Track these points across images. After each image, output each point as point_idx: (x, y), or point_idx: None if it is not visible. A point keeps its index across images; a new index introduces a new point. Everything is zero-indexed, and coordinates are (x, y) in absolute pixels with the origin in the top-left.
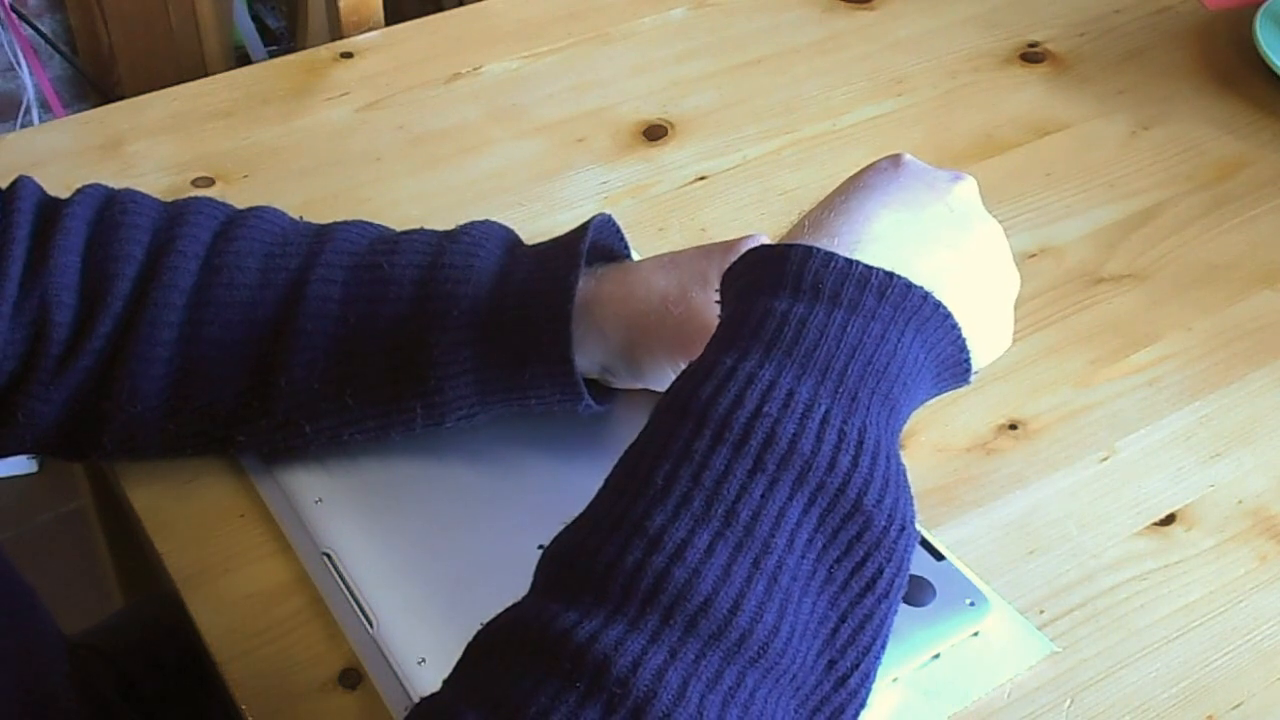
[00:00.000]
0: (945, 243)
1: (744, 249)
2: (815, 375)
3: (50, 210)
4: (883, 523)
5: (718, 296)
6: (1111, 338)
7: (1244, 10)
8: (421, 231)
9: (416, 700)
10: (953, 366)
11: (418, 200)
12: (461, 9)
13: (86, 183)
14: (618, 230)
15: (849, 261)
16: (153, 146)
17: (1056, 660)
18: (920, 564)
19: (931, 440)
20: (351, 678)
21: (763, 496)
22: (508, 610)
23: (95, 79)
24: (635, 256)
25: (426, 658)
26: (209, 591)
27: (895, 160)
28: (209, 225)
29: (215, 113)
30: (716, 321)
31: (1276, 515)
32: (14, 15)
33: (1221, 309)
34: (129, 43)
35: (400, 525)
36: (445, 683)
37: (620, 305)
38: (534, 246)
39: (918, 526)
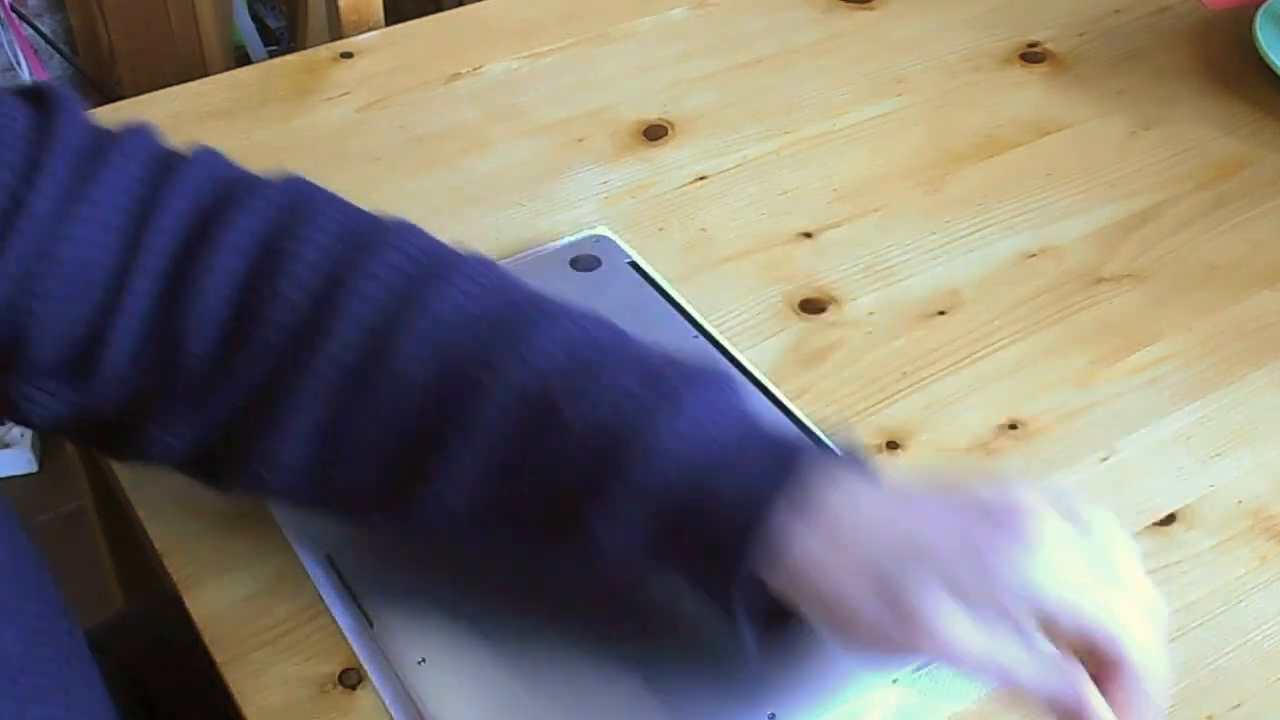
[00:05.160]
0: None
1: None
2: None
3: (208, 206)
4: None
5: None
6: (1111, 338)
7: (1244, 10)
8: (630, 365)
9: (417, 701)
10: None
11: (418, 200)
12: (461, 9)
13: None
14: (860, 456)
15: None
16: None
17: None
18: None
19: (932, 440)
20: (351, 678)
21: None
22: None
23: (95, 79)
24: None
25: (426, 658)
26: (209, 591)
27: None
28: (391, 279)
29: (215, 113)
30: (933, 624)
31: (1276, 515)
32: (14, 15)
33: (1221, 309)
34: (129, 43)
35: None
36: None
37: (820, 566)
38: (748, 446)
39: None
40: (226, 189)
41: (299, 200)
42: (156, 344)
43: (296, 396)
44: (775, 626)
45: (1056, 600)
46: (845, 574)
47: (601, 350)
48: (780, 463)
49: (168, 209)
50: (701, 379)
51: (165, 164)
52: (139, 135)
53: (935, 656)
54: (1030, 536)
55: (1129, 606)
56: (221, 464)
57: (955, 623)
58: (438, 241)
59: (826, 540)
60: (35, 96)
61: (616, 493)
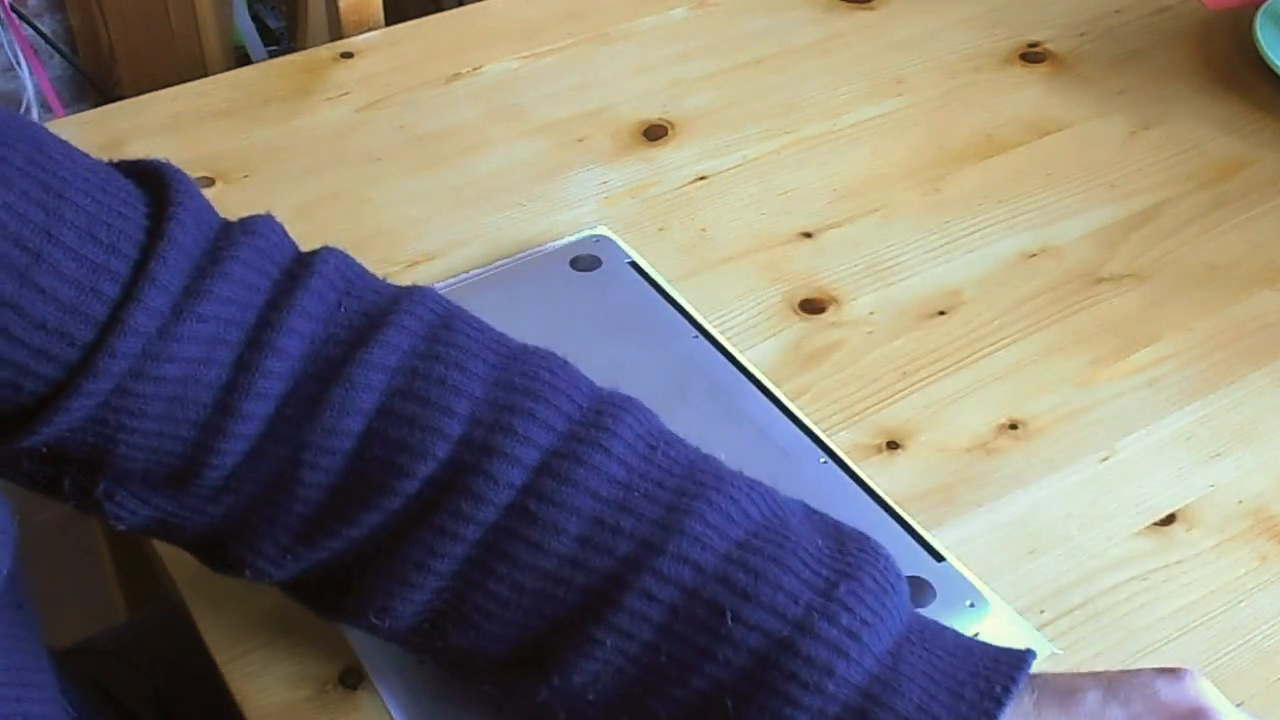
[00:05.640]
0: None
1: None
2: None
3: (336, 330)
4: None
5: None
6: (1111, 338)
7: (1244, 10)
8: (794, 557)
9: (417, 701)
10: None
11: (418, 200)
12: (461, 9)
13: (413, 287)
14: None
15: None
16: (153, 147)
17: (1056, 660)
18: (920, 564)
19: (931, 440)
20: (351, 678)
21: None
22: None
23: (95, 79)
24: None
25: (426, 658)
26: (210, 591)
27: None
28: (546, 438)
29: (215, 113)
30: None
31: (1276, 515)
32: (14, 15)
33: (1221, 309)
34: (129, 43)
35: None
36: None
37: None
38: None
39: (916, 527)
40: (360, 312)
41: (439, 331)
42: (265, 470)
43: (427, 558)
44: None
45: None
46: None
47: (768, 542)
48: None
49: (287, 330)
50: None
51: (289, 273)
52: (259, 236)
53: None
54: None
55: None
56: (328, 598)
57: None
58: (603, 390)
59: None
60: (147, 178)
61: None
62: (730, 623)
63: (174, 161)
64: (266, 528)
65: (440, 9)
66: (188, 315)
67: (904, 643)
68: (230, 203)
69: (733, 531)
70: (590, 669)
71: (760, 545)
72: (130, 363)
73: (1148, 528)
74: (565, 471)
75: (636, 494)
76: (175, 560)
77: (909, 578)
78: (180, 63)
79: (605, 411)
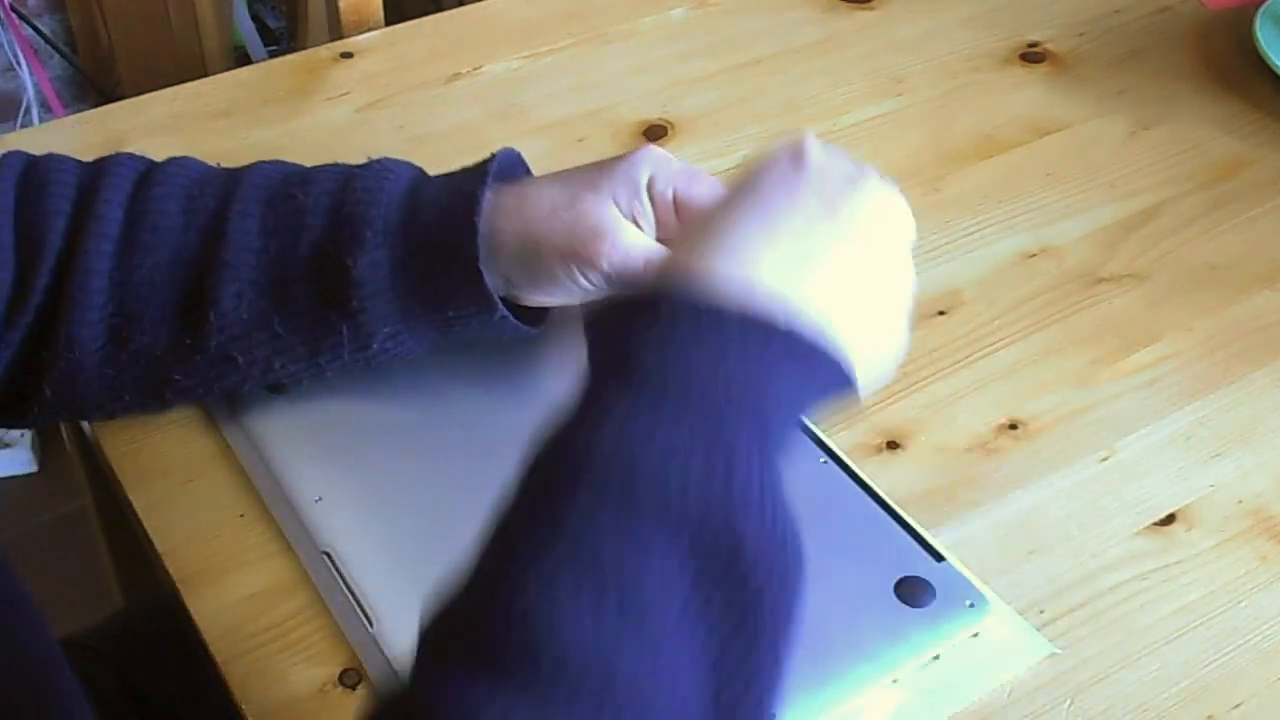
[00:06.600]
0: (835, 266)
1: (638, 160)
2: (689, 421)
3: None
4: (760, 578)
5: (596, 217)
6: (1111, 338)
7: (1244, 10)
8: (332, 165)
9: None
10: (838, 392)
11: None
12: (461, 9)
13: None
14: (524, 163)
15: (718, 308)
16: (153, 146)
17: (1056, 660)
18: (920, 565)
19: (931, 440)
20: (351, 678)
21: (641, 553)
22: (396, 690)
23: (95, 79)
24: None
25: None
26: (209, 591)
27: (796, 161)
28: (129, 176)
29: (215, 113)
30: (604, 224)
31: (1276, 515)
32: (14, 15)
33: (1221, 309)
34: (129, 43)
35: (400, 524)
36: None
37: (514, 214)
38: (440, 175)
39: (916, 527)
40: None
41: (35, 157)
42: None
43: (86, 276)
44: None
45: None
46: (542, 205)
47: (305, 168)
48: (477, 168)
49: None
50: (386, 158)
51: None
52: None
53: (615, 262)
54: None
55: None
56: (30, 372)
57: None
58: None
59: (521, 191)
60: None
61: (363, 236)
62: (301, 196)
63: None
64: None
65: (440, 9)
66: None
67: (420, 175)
68: None
69: (279, 171)
70: (231, 290)
71: (300, 171)
72: None
73: (1147, 528)
74: (155, 179)
75: (209, 177)
76: (175, 560)
77: (909, 578)
78: (180, 63)
79: (174, 160)
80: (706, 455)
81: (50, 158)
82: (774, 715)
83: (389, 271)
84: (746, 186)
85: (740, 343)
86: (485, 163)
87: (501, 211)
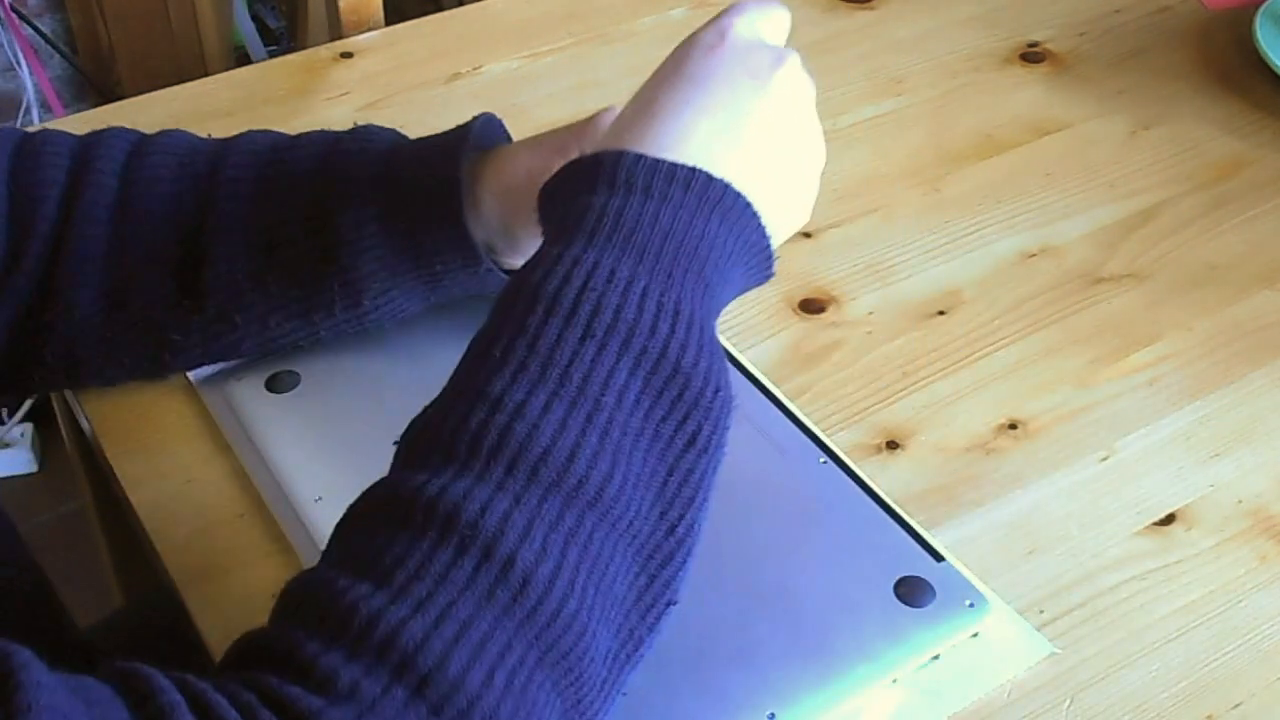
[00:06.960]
0: (753, 135)
1: (603, 121)
2: (633, 256)
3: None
4: (699, 384)
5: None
6: (1111, 338)
7: (1244, 10)
8: (317, 131)
9: None
10: (758, 252)
11: None
12: (461, 9)
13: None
14: (503, 128)
15: (656, 161)
16: None
17: (1056, 660)
18: (920, 565)
19: (931, 440)
20: None
21: (592, 360)
22: (369, 487)
23: (95, 79)
24: None
25: None
26: (209, 591)
27: (720, 35)
28: (123, 146)
29: (215, 113)
30: None
31: (1276, 515)
32: (14, 15)
33: (1221, 309)
34: (129, 43)
35: None
36: (321, 558)
37: (493, 180)
38: (421, 138)
39: (916, 527)
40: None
41: (28, 132)
42: None
43: (82, 242)
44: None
45: None
46: (519, 170)
47: (292, 135)
48: (457, 129)
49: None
50: (369, 125)
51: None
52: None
53: None
54: None
55: None
56: (30, 338)
57: None
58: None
59: (498, 157)
60: None
61: (349, 193)
62: (289, 159)
63: None
64: None
65: (440, 9)
66: None
67: (402, 138)
68: None
69: (268, 138)
70: (225, 252)
71: (287, 138)
72: None
73: (1147, 527)
74: (147, 149)
75: (200, 145)
76: (175, 561)
77: (908, 578)
78: (180, 63)
79: (165, 132)
80: (660, 294)
81: (44, 131)
82: (676, 596)
83: (376, 227)
84: (679, 62)
85: (680, 201)
86: (466, 125)
87: (478, 177)
